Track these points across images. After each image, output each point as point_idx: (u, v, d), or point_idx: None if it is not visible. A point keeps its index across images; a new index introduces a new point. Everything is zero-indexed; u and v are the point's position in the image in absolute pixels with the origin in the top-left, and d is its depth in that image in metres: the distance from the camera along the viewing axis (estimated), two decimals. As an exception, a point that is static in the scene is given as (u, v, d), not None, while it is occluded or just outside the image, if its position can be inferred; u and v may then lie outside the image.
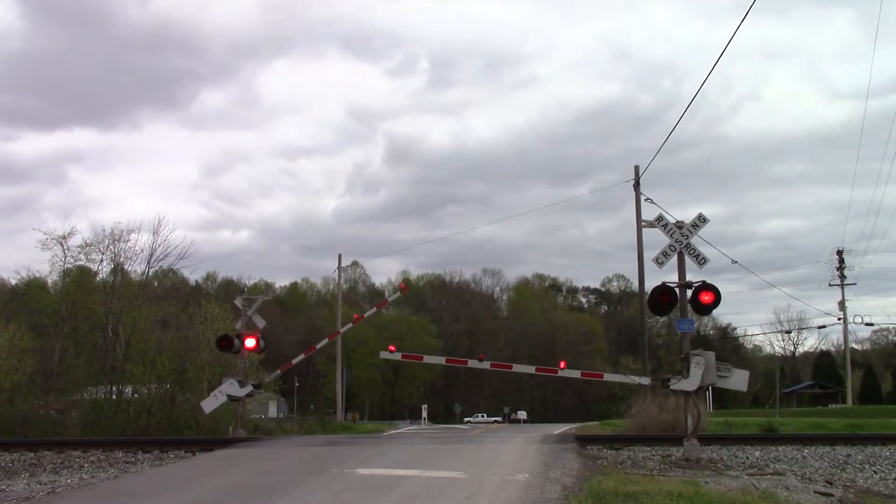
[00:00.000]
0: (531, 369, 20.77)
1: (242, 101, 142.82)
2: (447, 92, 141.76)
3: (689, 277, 13.14)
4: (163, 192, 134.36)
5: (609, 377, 26.66)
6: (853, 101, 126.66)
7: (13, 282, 46.82)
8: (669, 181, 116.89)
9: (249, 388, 17.33)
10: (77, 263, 33.58)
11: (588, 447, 14.15)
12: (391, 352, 17.99)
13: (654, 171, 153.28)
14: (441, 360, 22.95)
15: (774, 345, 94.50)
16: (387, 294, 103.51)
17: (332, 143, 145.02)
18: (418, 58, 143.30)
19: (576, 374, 18.64)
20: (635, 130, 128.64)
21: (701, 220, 13.31)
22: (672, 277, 13.17)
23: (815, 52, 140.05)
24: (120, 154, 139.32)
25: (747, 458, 13.06)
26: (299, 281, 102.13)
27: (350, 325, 26.77)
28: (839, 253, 59.27)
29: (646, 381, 18.31)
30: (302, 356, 23.83)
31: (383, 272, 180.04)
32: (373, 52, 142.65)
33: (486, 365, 17.80)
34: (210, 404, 17.85)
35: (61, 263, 33.35)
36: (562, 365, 16.72)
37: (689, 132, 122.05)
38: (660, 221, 13.45)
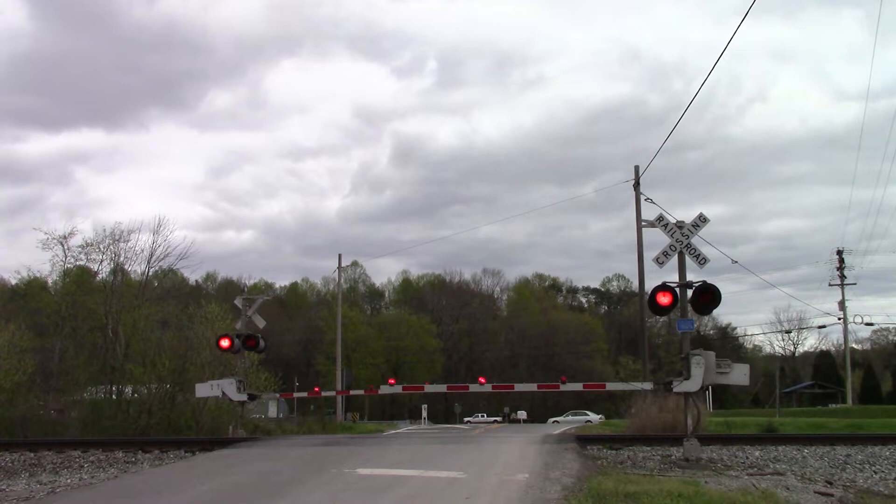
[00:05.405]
0: (533, 387, 21.10)
1: (250, 102, 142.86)
2: (455, 92, 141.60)
3: (690, 277, 13.13)
4: (168, 193, 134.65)
5: (611, 386, 26.78)
6: (860, 102, 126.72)
7: (13, 282, 46.85)
8: (676, 181, 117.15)
9: (244, 397, 17.38)
10: (77, 263, 33.60)
11: (588, 447, 14.16)
12: (391, 385, 18.28)
13: (662, 171, 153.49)
14: (442, 387, 23.28)
15: (774, 345, 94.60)
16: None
17: (339, 143, 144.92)
18: (426, 58, 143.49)
19: (577, 386, 18.78)
20: (644, 131, 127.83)
21: (701, 220, 13.30)
22: (672, 277, 13.17)
23: (823, 52, 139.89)
24: (126, 154, 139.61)
25: (747, 458, 13.05)
26: (299, 281, 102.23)
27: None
28: (839, 253, 59.41)
29: (648, 386, 18.34)
30: (305, 395, 24.77)
31: (384, 272, 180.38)
32: (381, 52, 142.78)
33: (487, 388, 17.91)
34: (203, 390, 18.06)
35: (62, 263, 33.37)
36: (563, 380, 16.84)
37: (697, 133, 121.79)
38: (660, 221, 13.44)
